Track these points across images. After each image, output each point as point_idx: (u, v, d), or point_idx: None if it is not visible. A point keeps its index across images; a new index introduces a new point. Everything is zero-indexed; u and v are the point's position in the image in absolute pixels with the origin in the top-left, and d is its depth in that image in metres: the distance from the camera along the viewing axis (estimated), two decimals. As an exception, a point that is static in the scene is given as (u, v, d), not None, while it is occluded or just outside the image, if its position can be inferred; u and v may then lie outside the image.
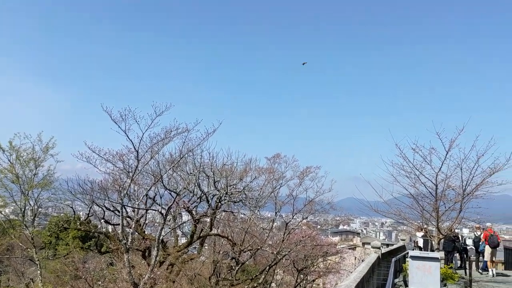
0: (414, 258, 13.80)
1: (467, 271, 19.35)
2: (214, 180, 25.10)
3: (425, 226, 23.96)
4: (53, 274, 35.39)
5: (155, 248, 18.98)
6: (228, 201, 26.34)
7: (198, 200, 25.60)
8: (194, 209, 25.86)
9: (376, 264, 19.22)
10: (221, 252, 27.46)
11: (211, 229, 25.88)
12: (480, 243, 23.79)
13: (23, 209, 30.11)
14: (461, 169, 19.42)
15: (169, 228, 23.18)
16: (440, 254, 18.23)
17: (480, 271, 23.48)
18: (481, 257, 24.53)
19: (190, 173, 25.06)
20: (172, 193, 23.29)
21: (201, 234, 25.77)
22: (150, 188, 22.01)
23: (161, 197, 25.39)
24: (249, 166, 28.55)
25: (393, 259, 18.25)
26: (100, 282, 26.62)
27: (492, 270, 22.22)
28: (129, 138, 18.65)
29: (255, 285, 25.89)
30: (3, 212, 34.50)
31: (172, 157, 23.85)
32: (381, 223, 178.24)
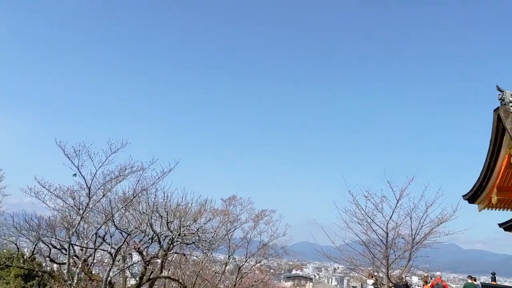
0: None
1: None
2: (168, 220, 24.66)
3: (376, 274, 24.22)
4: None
5: (102, 290, 18.31)
6: (180, 242, 25.85)
7: (150, 241, 25.00)
8: (145, 249, 25.20)
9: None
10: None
11: (161, 271, 25.21)
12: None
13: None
14: (410, 218, 20.02)
15: (118, 269, 22.46)
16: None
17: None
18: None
19: (143, 212, 24.56)
20: (123, 232, 22.72)
21: (151, 276, 25.04)
22: (101, 226, 21.45)
23: (111, 236, 24.67)
24: (204, 207, 28.31)
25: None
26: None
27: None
28: (81, 175, 18.35)
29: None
30: None
31: (125, 195, 23.37)
32: (333, 268, 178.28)
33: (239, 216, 31.07)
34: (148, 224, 23.98)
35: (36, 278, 42.14)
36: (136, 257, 28.99)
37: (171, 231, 24.81)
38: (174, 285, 26.73)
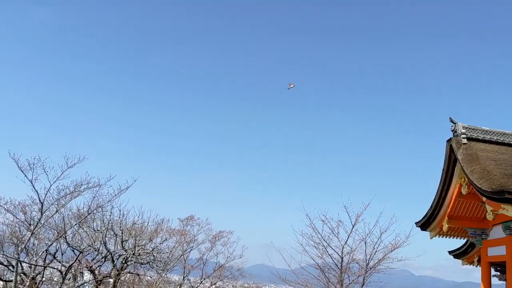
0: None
1: None
2: (122, 239, 24.20)
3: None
4: None
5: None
6: (135, 262, 25.36)
7: (103, 259, 24.42)
8: (98, 268, 24.56)
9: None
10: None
11: (113, 291, 24.56)
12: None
13: None
14: (365, 243, 20.35)
15: (68, 288, 21.76)
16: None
17: None
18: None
19: (97, 230, 24.03)
20: (75, 250, 22.11)
21: (102, 296, 24.35)
22: (52, 243, 20.83)
23: (62, 254, 23.91)
24: (161, 227, 27.95)
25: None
26: None
27: None
28: (35, 189, 17.87)
29: None
30: None
31: (79, 211, 22.83)
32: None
33: (196, 236, 30.83)
34: (102, 242, 23.47)
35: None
36: (87, 276, 28.18)
37: (125, 250, 24.34)
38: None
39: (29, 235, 18.38)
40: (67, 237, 21.83)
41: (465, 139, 15.66)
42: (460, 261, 20.11)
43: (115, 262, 24.66)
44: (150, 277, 28.49)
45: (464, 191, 15.16)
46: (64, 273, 18.47)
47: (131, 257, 24.47)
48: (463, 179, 15.14)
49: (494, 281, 18.07)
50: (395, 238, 20.14)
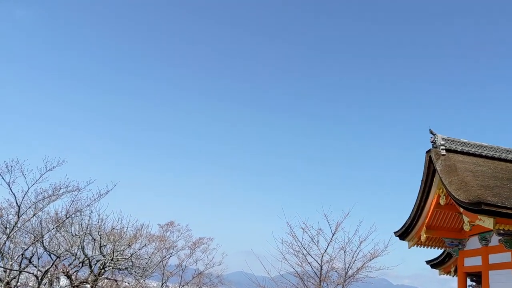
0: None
1: None
2: (101, 244, 23.87)
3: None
4: None
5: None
6: (113, 267, 25.02)
7: (80, 265, 24.02)
8: (75, 273, 24.16)
9: None
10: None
11: (90, 297, 24.19)
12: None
13: None
14: (344, 252, 20.54)
15: (43, 293, 21.36)
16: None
17: None
18: None
19: (75, 234, 23.65)
20: (52, 255, 21.74)
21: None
22: (28, 247, 20.45)
23: (39, 258, 23.43)
24: (140, 232, 27.65)
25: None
26: None
27: None
28: (12, 192, 17.59)
29: None
30: None
31: (57, 215, 22.46)
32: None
33: (175, 242, 30.65)
34: (80, 247, 23.12)
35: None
36: (64, 281, 27.71)
37: (103, 255, 24.01)
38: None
39: (5, 239, 18.05)
40: (44, 241, 21.45)
41: (444, 151, 15.93)
42: (437, 270, 20.36)
43: (92, 268, 24.28)
44: (128, 283, 28.15)
45: (442, 201, 15.40)
46: (40, 278, 18.14)
47: (109, 262, 24.14)
48: (441, 190, 15.38)
49: (470, 291, 18.33)
50: (374, 247, 20.40)
